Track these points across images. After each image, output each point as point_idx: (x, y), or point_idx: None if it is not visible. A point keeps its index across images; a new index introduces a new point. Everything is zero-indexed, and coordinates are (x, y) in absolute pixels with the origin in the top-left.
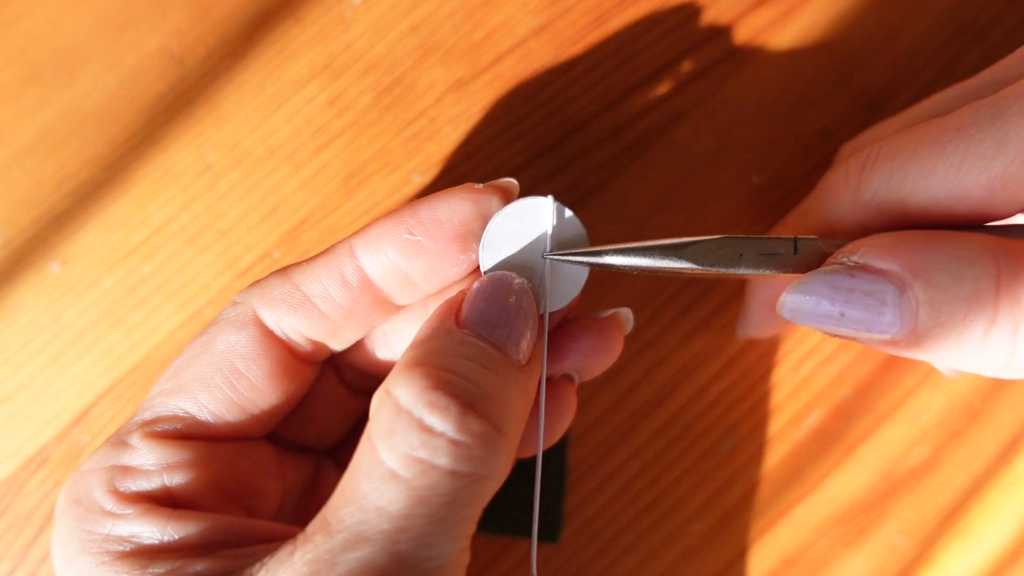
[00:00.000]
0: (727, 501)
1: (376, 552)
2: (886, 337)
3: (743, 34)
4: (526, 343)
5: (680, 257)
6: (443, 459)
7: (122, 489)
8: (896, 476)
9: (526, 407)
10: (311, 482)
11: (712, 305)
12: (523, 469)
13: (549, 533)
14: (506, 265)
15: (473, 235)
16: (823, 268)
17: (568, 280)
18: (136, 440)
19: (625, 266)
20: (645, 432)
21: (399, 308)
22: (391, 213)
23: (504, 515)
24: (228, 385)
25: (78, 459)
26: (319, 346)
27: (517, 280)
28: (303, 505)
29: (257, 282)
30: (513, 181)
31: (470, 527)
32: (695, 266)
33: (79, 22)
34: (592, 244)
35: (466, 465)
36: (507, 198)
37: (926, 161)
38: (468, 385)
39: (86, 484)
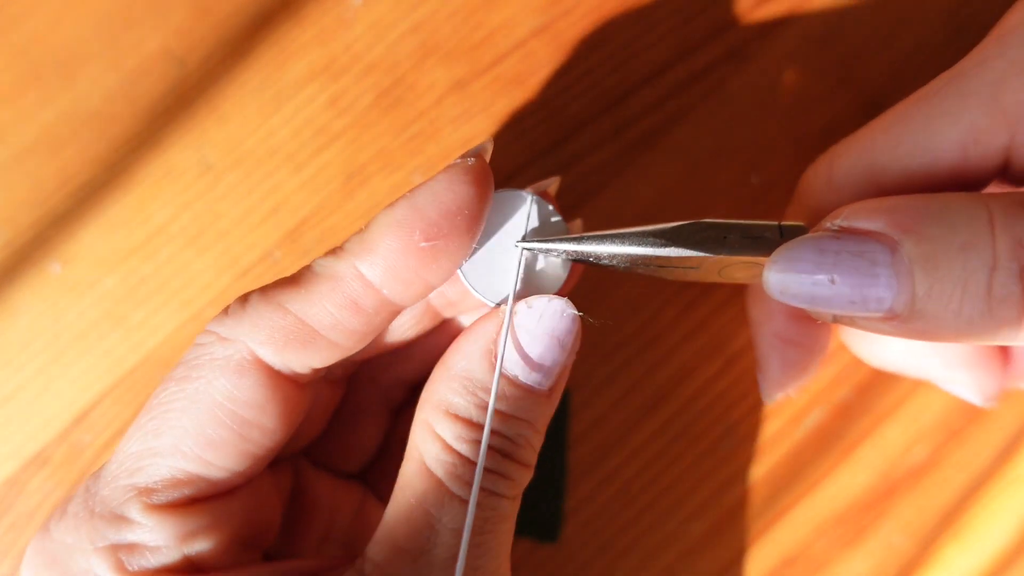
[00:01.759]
0: (727, 501)
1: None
2: (885, 307)
3: (743, 34)
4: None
5: (662, 242)
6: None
7: (134, 568)
8: (895, 476)
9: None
10: (294, 486)
11: (712, 305)
12: None
13: (549, 533)
14: (478, 257)
15: (483, 213)
16: (805, 236)
17: (546, 279)
18: (138, 515)
19: (605, 254)
20: (645, 432)
21: (409, 306)
22: (390, 215)
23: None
24: (238, 438)
25: (79, 459)
26: (332, 368)
27: (569, 311)
28: (291, 512)
29: (242, 312)
30: (489, 140)
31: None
32: (679, 251)
33: (80, 23)
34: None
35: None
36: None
37: (893, 132)
38: (522, 451)
39: (80, 565)
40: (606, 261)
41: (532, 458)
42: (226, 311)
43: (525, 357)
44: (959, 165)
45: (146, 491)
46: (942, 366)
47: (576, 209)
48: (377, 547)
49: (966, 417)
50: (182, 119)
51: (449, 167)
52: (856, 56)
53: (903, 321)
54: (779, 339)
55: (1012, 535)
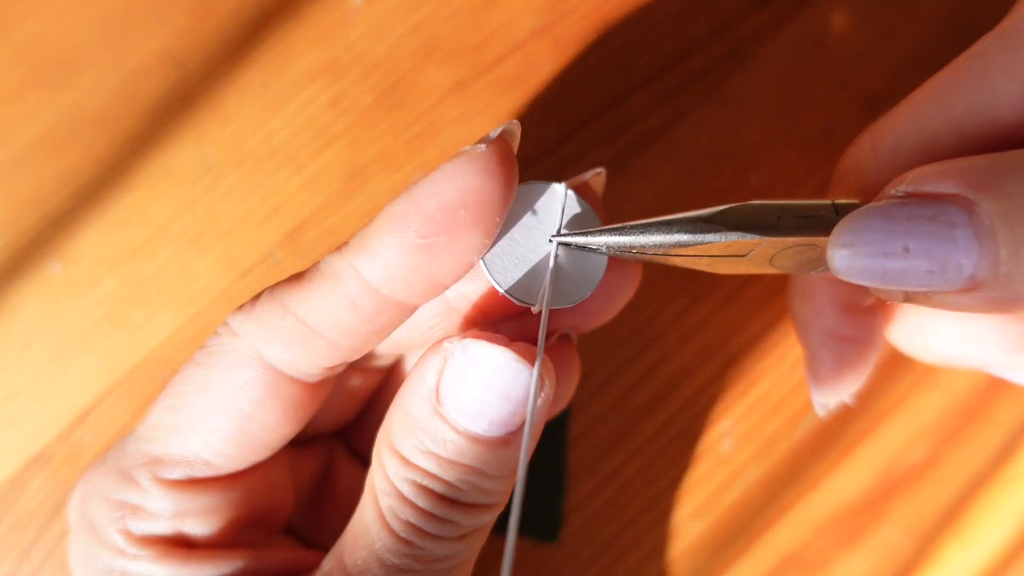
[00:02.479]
0: (726, 500)
1: None
2: (966, 275)
3: (743, 34)
4: (539, 416)
5: (714, 227)
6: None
7: (134, 530)
8: (895, 475)
9: (527, 456)
10: (324, 469)
11: (712, 305)
12: None
13: (549, 532)
14: (508, 253)
15: (495, 207)
16: (869, 205)
17: (583, 275)
18: (145, 481)
19: (650, 246)
20: (645, 431)
21: (420, 304)
22: (389, 210)
23: (502, 515)
24: (239, 429)
25: (81, 459)
26: (336, 367)
27: (515, 365)
28: (319, 495)
29: (252, 308)
30: (514, 122)
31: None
32: (733, 236)
33: (81, 24)
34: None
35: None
36: (513, 148)
37: (943, 95)
38: (468, 494)
39: (96, 511)
40: (650, 254)
41: (482, 498)
42: (241, 306)
43: (467, 404)
44: (1019, 121)
45: (156, 461)
46: (1000, 352)
47: None
48: (330, 558)
49: (965, 416)
50: (183, 120)
51: (457, 154)
52: (856, 56)
53: (985, 290)
54: (831, 336)
55: (1012, 535)
